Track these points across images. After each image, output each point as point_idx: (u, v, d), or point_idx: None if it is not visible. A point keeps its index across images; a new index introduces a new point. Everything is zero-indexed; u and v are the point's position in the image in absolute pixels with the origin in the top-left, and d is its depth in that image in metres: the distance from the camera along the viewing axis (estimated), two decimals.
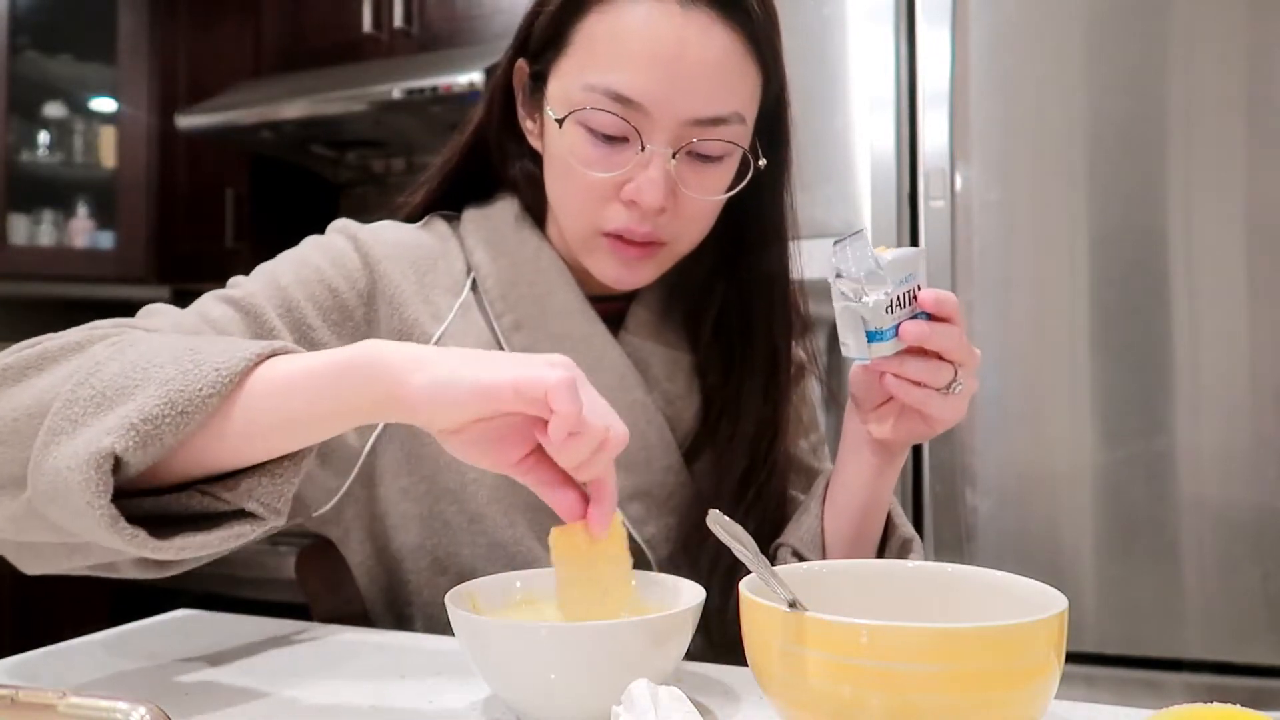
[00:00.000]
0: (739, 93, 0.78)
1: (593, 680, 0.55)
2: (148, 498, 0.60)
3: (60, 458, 0.56)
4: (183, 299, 0.79)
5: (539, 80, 0.82)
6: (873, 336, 0.67)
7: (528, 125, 0.86)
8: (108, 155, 2.84)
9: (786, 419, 0.88)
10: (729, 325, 0.88)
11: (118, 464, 0.56)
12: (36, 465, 0.57)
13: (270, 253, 0.84)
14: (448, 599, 0.59)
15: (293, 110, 2.41)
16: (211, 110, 2.54)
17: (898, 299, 0.66)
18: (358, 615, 0.88)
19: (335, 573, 0.90)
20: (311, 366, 0.60)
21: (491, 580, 0.66)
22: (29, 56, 2.78)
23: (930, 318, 0.68)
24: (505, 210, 0.88)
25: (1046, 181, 1.62)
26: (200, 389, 0.57)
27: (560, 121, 0.78)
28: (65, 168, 2.86)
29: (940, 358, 0.69)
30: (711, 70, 0.75)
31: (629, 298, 0.89)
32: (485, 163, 0.90)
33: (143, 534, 0.57)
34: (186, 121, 2.57)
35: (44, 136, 2.83)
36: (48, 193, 2.84)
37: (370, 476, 0.83)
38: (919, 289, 0.67)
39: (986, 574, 0.57)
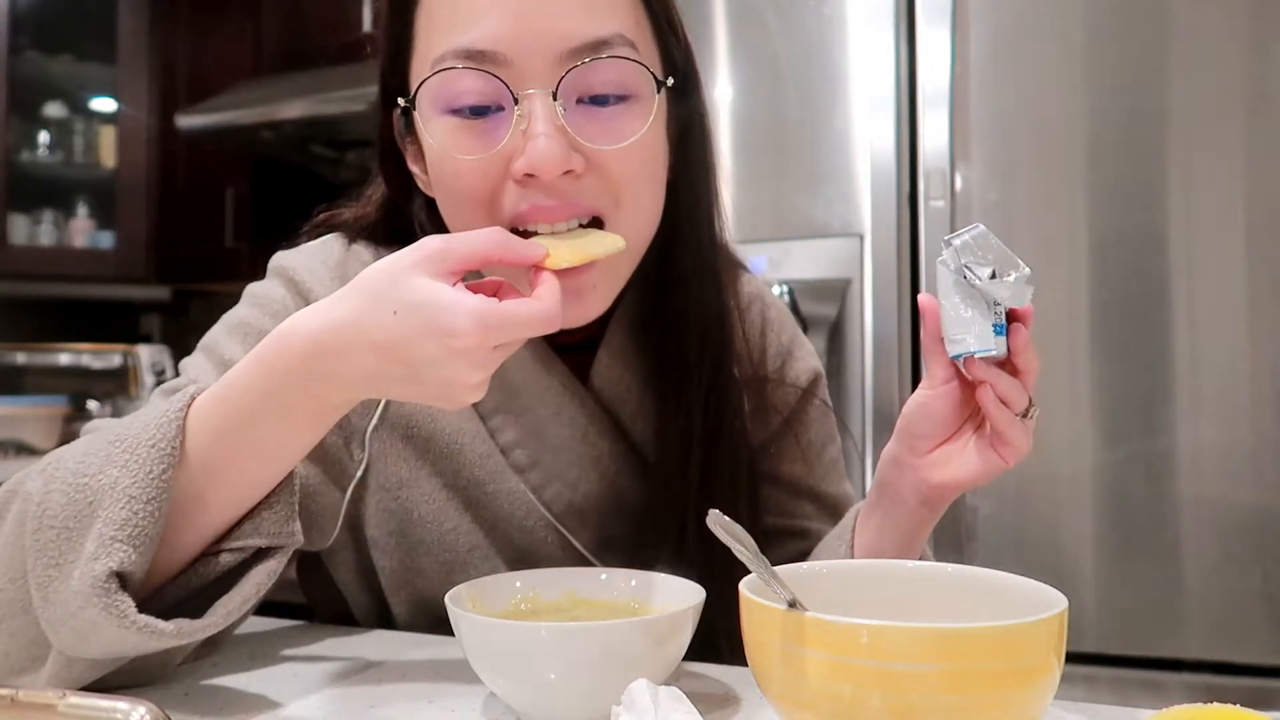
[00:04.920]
0: (614, 12, 0.67)
1: (593, 680, 0.55)
2: (168, 587, 0.61)
3: (71, 601, 0.56)
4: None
5: (410, 115, 0.72)
6: (998, 330, 0.63)
7: (419, 174, 0.76)
8: (108, 155, 2.84)
9: (737, 452, 0.79)
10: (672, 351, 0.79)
11: (125, 580, 0.56)
12: (50, 622, 0.57)
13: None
14: (448, 599, 0.59)
15: (293, 110, 2.41)
16: (211, 110, 2.54)
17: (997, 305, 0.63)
18: None
19: None
20: (231, 378, 0.60)
21: (491, 580, 0.66)
22: (29, 56, 2.78)
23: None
24: None
25: (1046, 181, 1.62)
26: (150, 473, 0.57)
27: (412, 103, 0.68)
28: (65, 168, 2.86)
29: (1019, 379, 0.64)
30: None
31: (600, 326, 0.79)
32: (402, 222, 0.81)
33: (184, 623, 0.57)
34: (186, 121, 2.57)
35: (44, 136, 2.83)
36: (48, 193, 2.84)
37: (354, 520, 0.80)
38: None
39: (986, 574, 0.57)
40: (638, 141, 0.67)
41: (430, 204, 0.78)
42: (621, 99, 0.67)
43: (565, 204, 0.66)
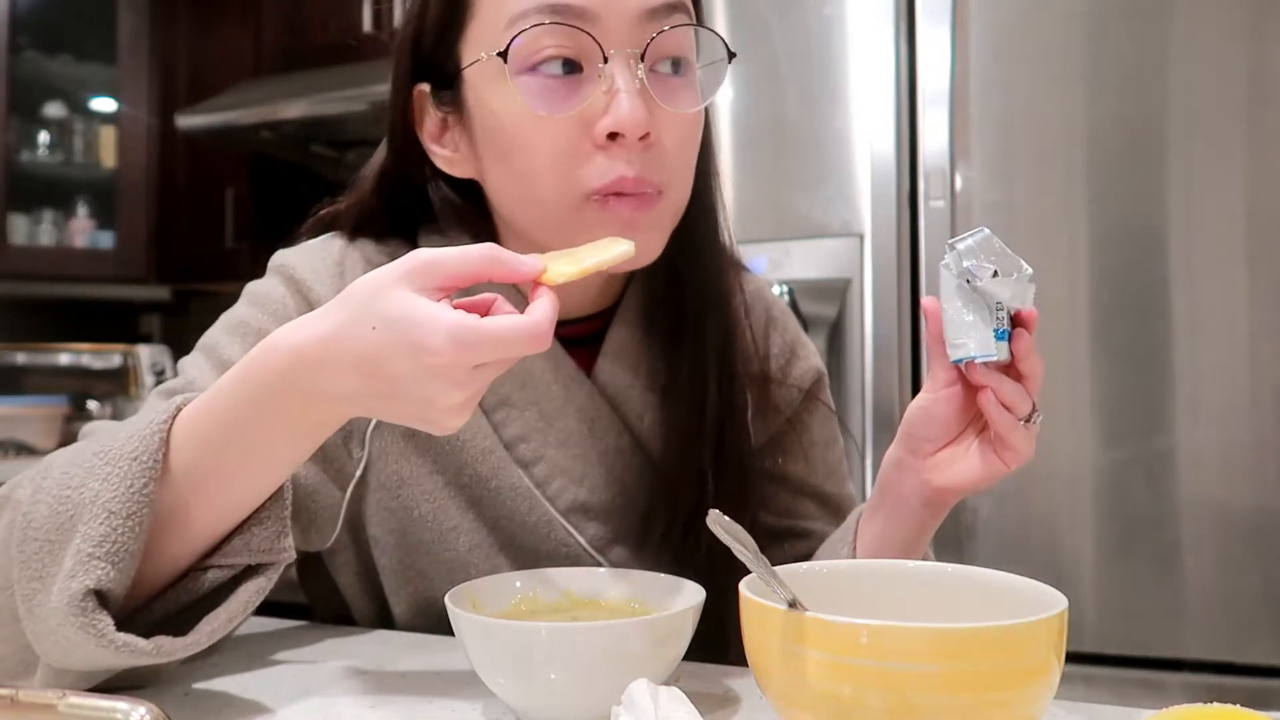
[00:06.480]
0: None
1: (593, 680, 0.55)
2: (156, 601, 0.61)
3: (51, 617, 0.56)
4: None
5: (446, 87, 0.73)
6: (1000, 335, 0.62)
7: (443, 153, 0.76)
8: (108, 155, 2.84)
9: (740, 450, 0.79)
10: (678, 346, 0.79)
11: (104, 597, 0.56)
12: (35, 634, 0.57)
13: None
14: (448, 599, 0.59)
15: (293, 110, 2.42)
16: (211, 110, 2.54)
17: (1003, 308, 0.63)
18: None
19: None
20: (219, 388, 0.59)
21: (491, 580, 0.66)
22: (29, 56, 2.78)
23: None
24: (438, 243, 0.77)
25: (1046, 181, 1.62)
26: (132, 487, 0.56)
27: (498, 55, 0.67)
28: (65, 168, 2.86)
29: (1022, 384, 0.63)
30: None
31: (607, 315, 0.80)
32: (399, 206, 0.80)
33: (165, 641, 0.57)
34: (186, 121, 2.57)
35: (44, 136, 2.83)
36: (48, 193, 2.84)
37: (354, 519, 0.80)
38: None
39: (986, 574, 0.57)
40: (697, 111, 0.70)
41: (455, 184, 0.77)
42: (688, 66, 0.69)
43: (640, 178, 0.66)
